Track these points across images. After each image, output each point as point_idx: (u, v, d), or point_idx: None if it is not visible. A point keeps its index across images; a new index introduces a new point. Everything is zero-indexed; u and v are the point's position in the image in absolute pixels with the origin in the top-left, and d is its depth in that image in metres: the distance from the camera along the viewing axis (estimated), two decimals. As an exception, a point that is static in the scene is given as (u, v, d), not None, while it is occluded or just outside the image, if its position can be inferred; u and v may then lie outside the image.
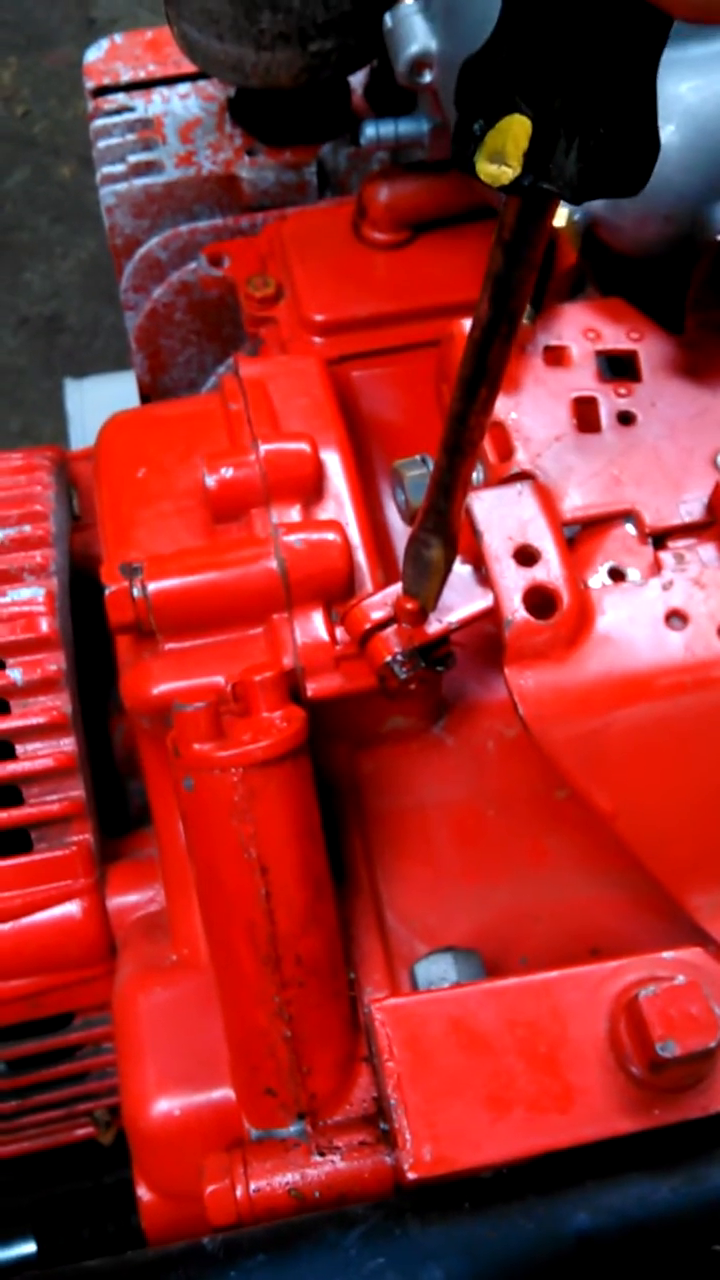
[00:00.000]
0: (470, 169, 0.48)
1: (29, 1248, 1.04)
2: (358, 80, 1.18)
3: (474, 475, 0.76)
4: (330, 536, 0.79)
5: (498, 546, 0.70)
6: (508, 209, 0.51)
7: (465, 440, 0.60)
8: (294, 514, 0.81)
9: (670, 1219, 0.63)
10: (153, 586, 0.77)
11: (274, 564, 0.77)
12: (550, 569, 0.69)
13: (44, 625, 0.89)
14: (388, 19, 0.87)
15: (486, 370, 0.56)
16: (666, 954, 0.68)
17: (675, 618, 0.69)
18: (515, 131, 0.46)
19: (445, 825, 0.84)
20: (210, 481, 0.81)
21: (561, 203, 0.78)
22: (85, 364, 2.77)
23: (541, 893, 0.82)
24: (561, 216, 0.75)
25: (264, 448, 0.81)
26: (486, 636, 0.82)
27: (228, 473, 0.81)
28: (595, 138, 0.46)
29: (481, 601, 0.74)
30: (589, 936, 0.80)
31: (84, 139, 3.22)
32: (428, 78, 0.86)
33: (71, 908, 0.88)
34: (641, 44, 0.45)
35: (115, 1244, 1.04)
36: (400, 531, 0.91)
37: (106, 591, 0.78)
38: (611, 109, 0.46)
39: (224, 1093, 0.76)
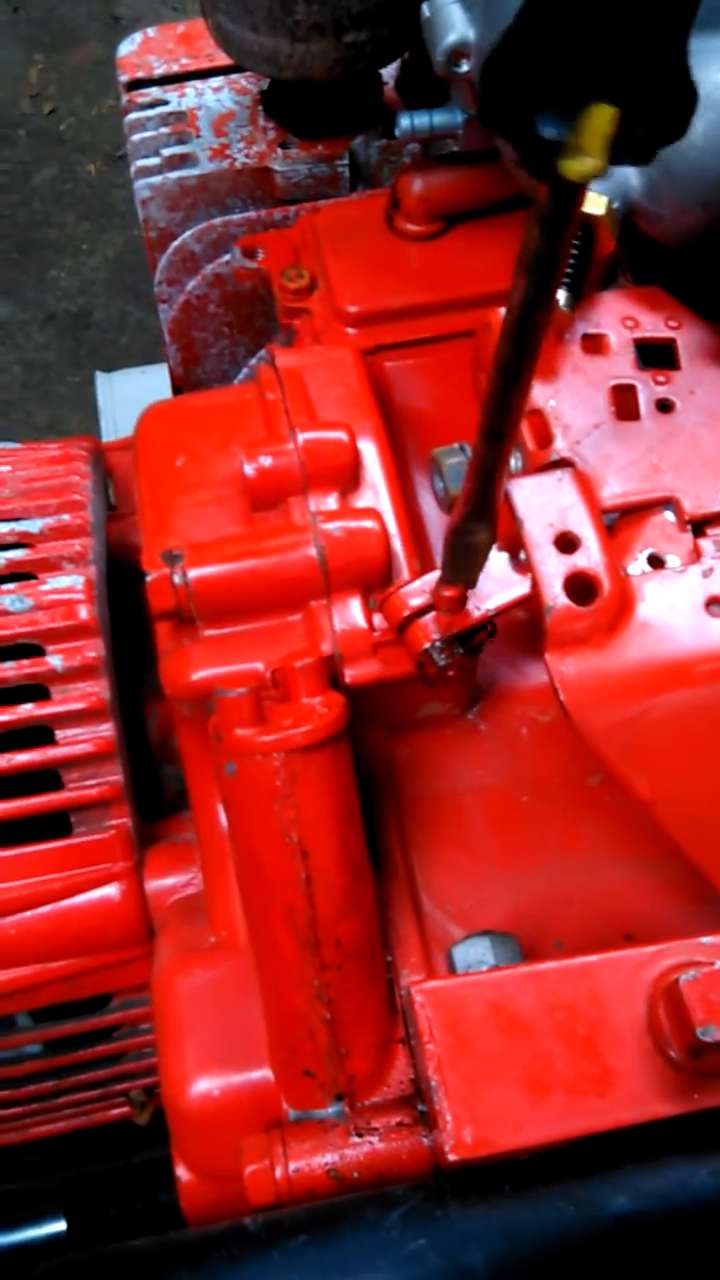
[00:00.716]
0: (553, 175, 0.46)
1: (59, 1226, 1.05)
2: (389, 72, 1.18)
3: (513, 463, 0.77)
4: (368, 524, 0.79)
5: (538, 533, 0.70)
6: (544, 191, 0.50)
7: (505, 423, 0.60)
8: (331, 502, 0.82)
9: (710, 1202, 0.63)
10: (193, 573, 0.77)
11: (313, 551, 0.78)
12: (590, 556, 0.70)
13: (83, 613, 0.90)
14: (425, 9, 0.87)
15: (525, 351, 0.56)
16: (705, 939, 0.68)
17: (715, 604, 0.70)
18: (597, 122, 0.45)
19: (479, 810, 0.85)
20: (249, 470, 0.81)
21: (600, 192, 0.79)
22: (112, 359, 2.79)
23: (575, 877, 0.82)
24: (600, 204, 0.76)
25: (302, 436, 0.82)
26: (520, 623, 0.82)
27: (266, 461, 0.82)
28: (658, 100, 0.45)
29: (519, 588, 0.74)
30: (622, 921, 0.80)
31: (110, 136, 3.24)
32: (465, 68, 0.86)
33: (110, 890, 0.89)
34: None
35: (144, 1222, 1.05)
36: (434, 519, 0.91)
37: (148, 578, 0.78)
38: (659, 67, 0.45)
39: (263, 1074, 0.77)
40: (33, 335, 2.86)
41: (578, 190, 0.49)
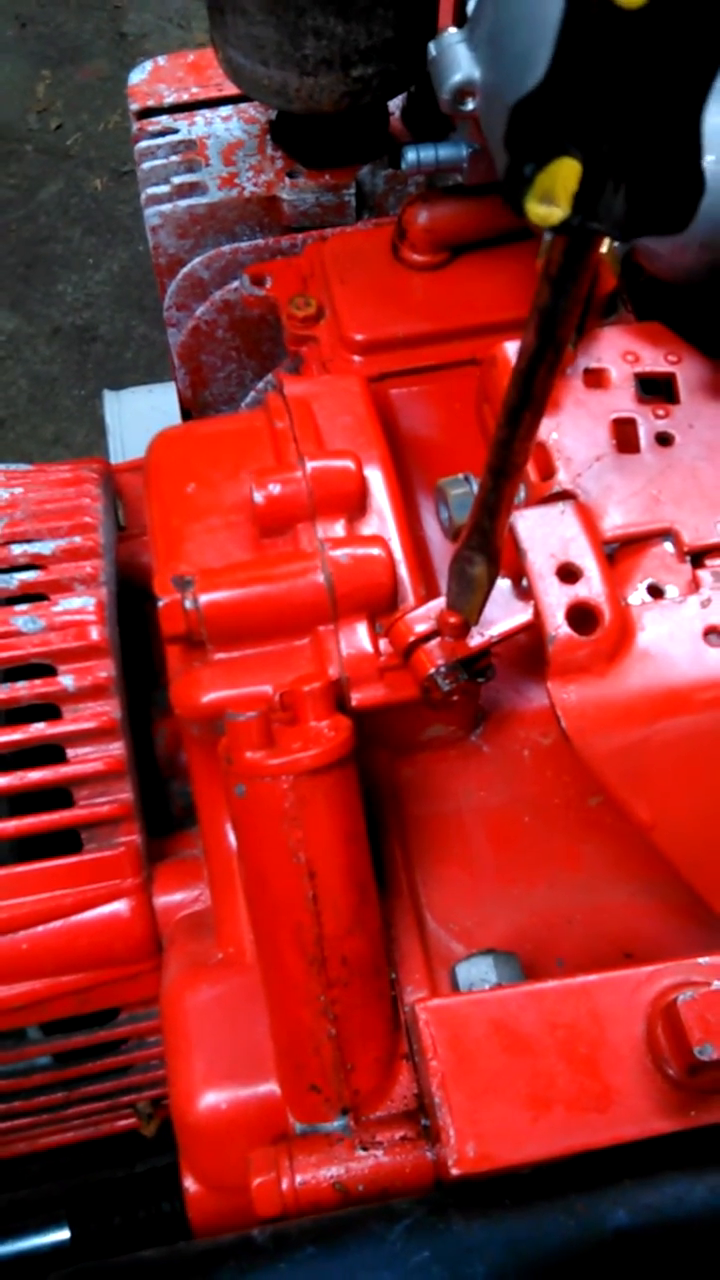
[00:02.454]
0: (520, 210, 0.50)
1: (63, 1234, 1.07)
2: (395, 104, 1.20)
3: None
4: (375, 552, 0.81)
5: (541, 564, 0.72)
6: (554, 246, 0.53)
7: (510, 464, 0.62)
8: (339, 529, 0.84)
9: (707, 1217, 0.65)
10: (204, 598, 0.79)
11: (321, 578, 0.80)
12: (592, 586, 0.72)
13: (94, 634, 0.92)
14: (432, 48, 0.89)
15: (531, 398, 0.59)
16: (703, 960, 0.70)
17: (713, 634, 0.72)
18: (564, 173, 0.48)
19: (482, 830, 0.87)
20: (258, 497, 0.83)
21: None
22: (117, 373, 2.82)
23: (576, 896, 0.84)
24: (602, 242, 0.78)
25: (310, 465, 0.84)
26: (522, 648, 0.84)
27: (275, 489, 0.84)
28: (643, 179, 0.48)
29: (522, 615, 0.76)
30: (622, 940, 0.82)
31: (116, 151, 3.27)
32: (470, 106, 0.88)
33: (120, 906, 0.91)
34: (688, 90, 0.47)
35: (147, 1230, 1.07)
36: (438, 545, 0.93)
37: (160, 603, 0.80)
38: (658, 151, 0.48)
39: (269, 1087, 0.79)
40: (39, 349, 2.89)
41: (586, 249, 0.51)
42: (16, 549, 0.96)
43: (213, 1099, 0.79)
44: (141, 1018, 0.96)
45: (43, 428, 2.74)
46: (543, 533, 0.73)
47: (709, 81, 0.47)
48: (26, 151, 3.09)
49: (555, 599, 0.72)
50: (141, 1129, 1.04)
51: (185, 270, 1.17)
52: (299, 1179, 0.74)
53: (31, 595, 0.95)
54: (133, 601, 1.05)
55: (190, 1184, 0.82)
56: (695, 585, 0.73)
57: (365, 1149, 0.74)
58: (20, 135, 3.10)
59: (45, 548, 0.98)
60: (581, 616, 0.71)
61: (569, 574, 0.72)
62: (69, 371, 2.88)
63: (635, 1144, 0.67)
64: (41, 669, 0.92)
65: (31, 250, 3.01)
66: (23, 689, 0.91)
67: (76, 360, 2.90)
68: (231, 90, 1.20)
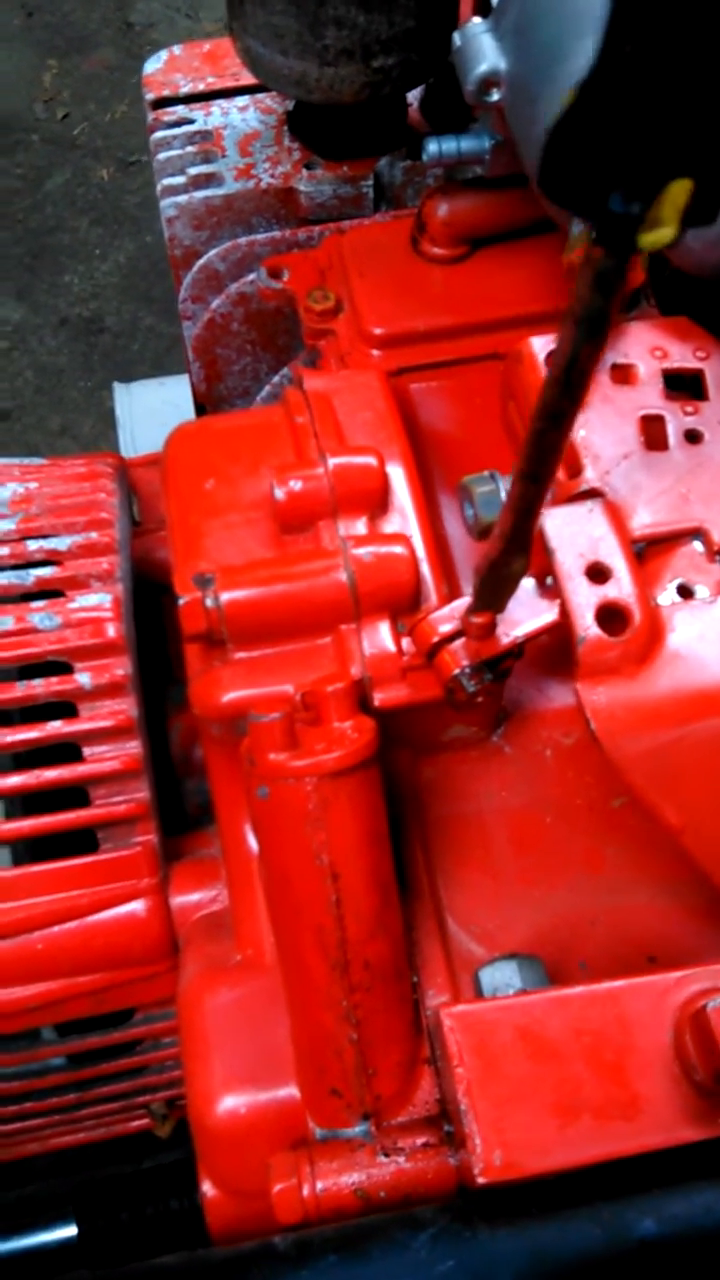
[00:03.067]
0: (632, 249, 0.46)
1: (70, 1231, 1.06)
2: (414, 95, 1.19)
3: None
4: (398, 550, 0.80)
5: (570, 564, 0.71)
6: (598, 248, 0.51)
7: (544, 467, 0.61)
8: (360, 526, 0.83)
9: (734, 1225, 0.64)
10: (225, 597, 0.78)
11: (343, 576, 0.79)
12: (621, 586, 0.71)
13: (111, 631, 0.91)
14: (456, 37, 0.88)
15: (569, 399, 0.57)
16: (730, 965, 0.69)
17: (743, 635, 0.71)
18: (675, 195, 0.45)
19: (504, 832, 0.86)
20: (279, 494, 0.82)
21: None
22: (124, 365, 2.80)
23: (599, 899, 0.83)
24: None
25: (332, 461, 0.83)
26: (544, 647, 0.83)
27: (296, 485, 0.82)
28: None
29: (548, 615, 0.75)
30: (646, 942, 0.81)
31: (123, 142, 3.25)
32: (496, 96, 0.87)
33: (136, 906, 0.90)
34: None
35: (155, 1227, 1.06)
36: (459, 541, 0.92)
37: (180, 601, 0.79)
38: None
39: (289, 1091, 0.78)
40: (45, 340, 2.87)
41: (635, 245, 0.49)
42: (33, 544, 0.95)
43: (231, 1103, 0.79)
44: (157, 1018, 0.96)
45: (49, 419, 2.73)
46: (571, 532, 0.72)
47: None
48: (33, 141, 3.08)
49: (584, 599, 0.71)
50: (156, 1130, 1.03)
51: (201, 262, 1.16)
52: (320, 1185, 0.73)
53: (48, 591, 0.94)
54: (147, 597, 1.04)
55: (209, 1189, 0.81)
56: (726, 585, 0.72)
57: (387, 1155, 0.73)
58: (27, 125, 3.08)
59: (61, 543, 0.96)
60: (611, 617, 0.70)
61: (598, 574, 0.71)
62: (75, 363, 2.86)
63: (663, 1152, 0.66)
64: (58, 666, 0.91)
65: (38, 240, 2.99)
66: (39, 686, 0.90)
67: (83, 351, 2.88)
68: (248, 80, 1.19)
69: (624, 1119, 0.65)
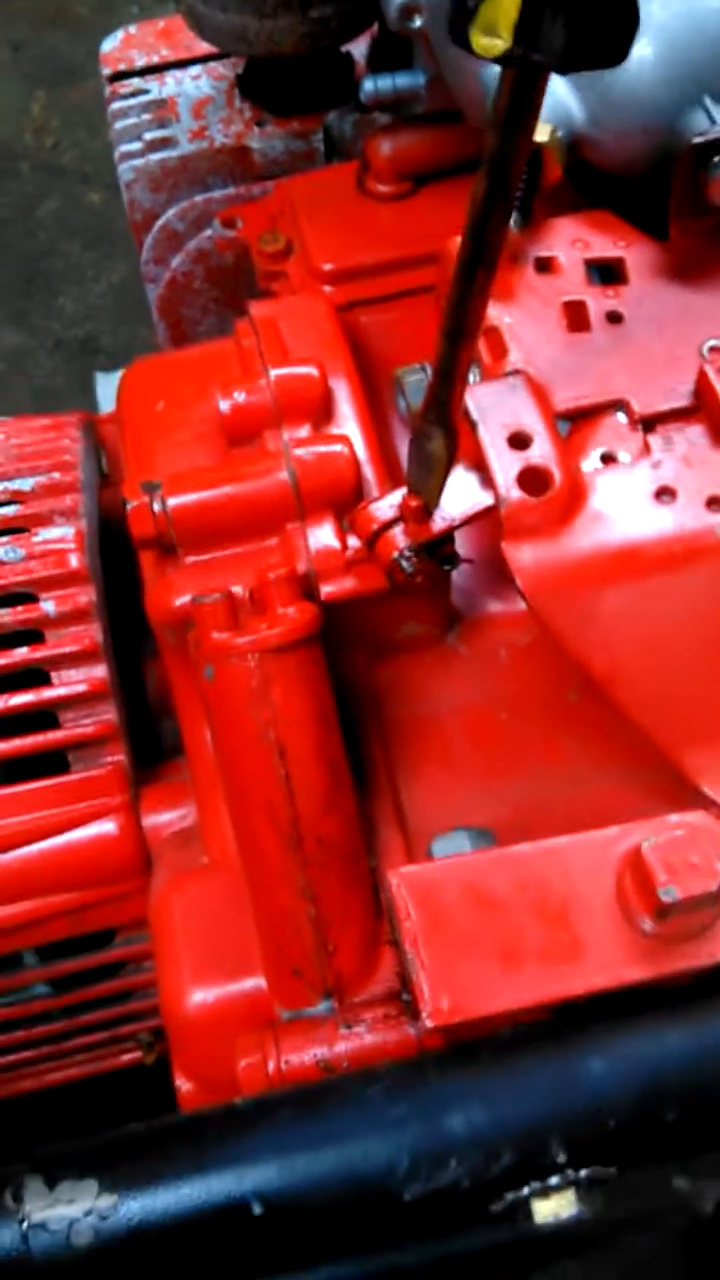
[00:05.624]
0: (466, 43, 0.51)
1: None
2: (360, 52, 1.23)
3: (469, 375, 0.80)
4: (338, 449, 0.83)
5: (492, 434, 0.73)
6: (502, 85, 0.54)
7: (465, 325, 0.63)
8: (304, 433, 0.85)
9: (679, 1058, 0.65)
10: (172, 501, 0.81)
11: (285, 475, 0.81)
12: (542, 449, 0.73)
13: (74, 561, 0.94)
14: (377, -30, 0.92)
15: (485, 250, 0.60)
16: (672, 817, 0.70)
17: (664, 494, 0.72)
18: (505, 3, 0.49)
19: (461, 729, 0.87)
20: (224, 406, 0.85)
21: (543, 119, 0.82)
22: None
23: (554, 787, 0.84)
24: (544, 131, 0.79)
25: (274, 372, 0.86)
26: (495, 550, 0.85)
27: (240, 397, 0.85)
28: (579, 7, 0.49)
29: (483, 500, 0.77)
30: (601, 825, 0.82)
31: (112, 167, 3.31)
32: (418, 22, 0.91)
33: (108, 824, 0.91)
34: None
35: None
36: (406, 454, 0.94)
37: (128, 507, 0.82)
38: None
39: (256, 981, 0.80)
40: (41, 362, 2.93)
41: (532, 86, 0.52)
42: (-3, 487, 0.98)
43: (200, 996, 0.80)
44: (137, 939, 0.97)
45: (46, 433, 2.76)
46: (494, 404, 0.74)
47: None
48: (23, 170, 3.15)
49: (507, 464, 0.73)
50: (143, 1058, 1.04)
51: (160, 223, 1.20)
52: (285, 1060, 0.74)
53: (12, 529, 0.97)
54: (119, 548, 1.06)
55: (182, 1083, 0.83)
56: (647, 450, 0.74)
57: (349, 1027, 0.75)
58: (17, 154, 3.16)
59: (25, 484, 0.99)
60: (533, 480, 0.72)
61: (520, 441, 0.73)
62: (72, 384, 2.91)
63: (608, 995, 0.67)
64: (24, 597, 0.94)
65: (31, 266, 3.06)
66: (5, 615, 0.92)
67: (79, 372, 2.93)
68: (201, 51, 1.23)
69: (568, 962, 0.67)
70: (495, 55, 0.50)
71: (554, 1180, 0.65)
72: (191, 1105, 0.82)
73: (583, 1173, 0.65)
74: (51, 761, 0.93)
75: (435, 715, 0.88)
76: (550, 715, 0.87)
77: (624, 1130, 0.65)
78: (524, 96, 0.54)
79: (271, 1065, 0.74)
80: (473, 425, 0.74)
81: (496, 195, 0.57)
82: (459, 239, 0.85)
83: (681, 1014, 0.67)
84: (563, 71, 0.51)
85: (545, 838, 0.83)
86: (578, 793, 0.85)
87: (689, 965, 0.67)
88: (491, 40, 0.50)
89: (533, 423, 0.73)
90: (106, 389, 1.74)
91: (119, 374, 1.81)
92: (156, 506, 0.81)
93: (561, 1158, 0.64)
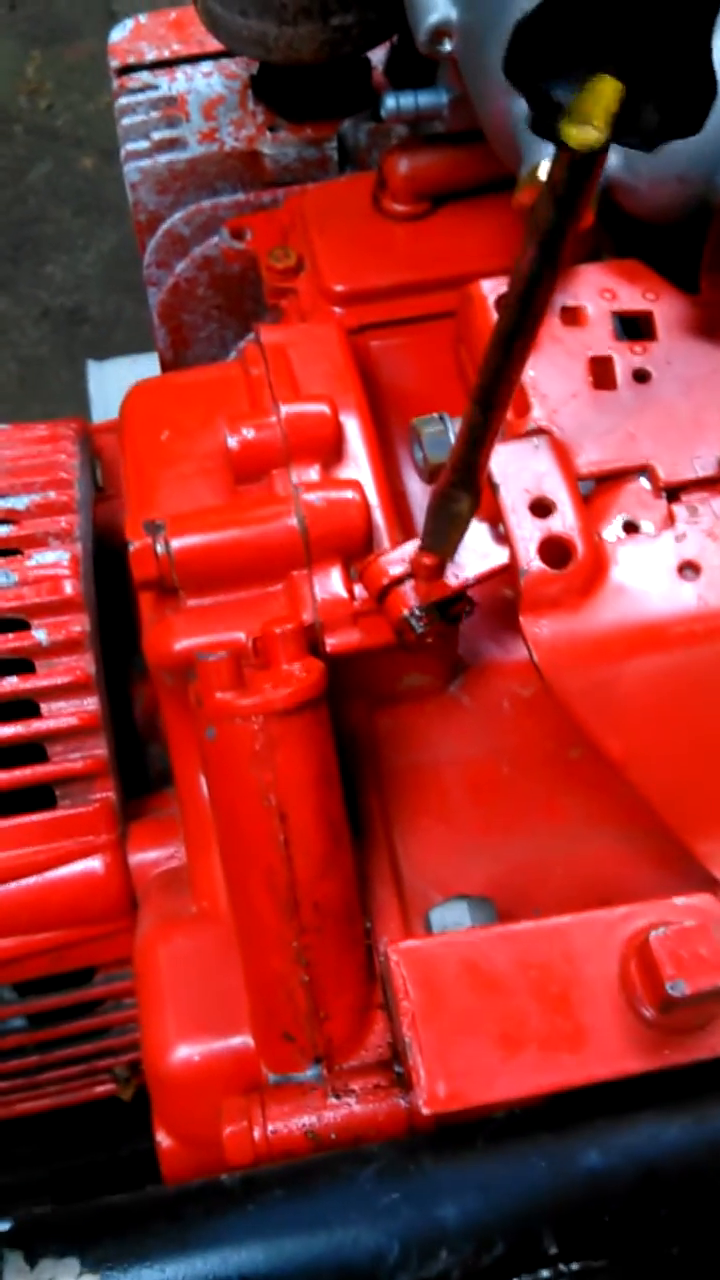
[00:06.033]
0: (553, 136, 0.48)
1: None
2: (378, 57, 1.19)
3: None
4: (349, 495, 0.80)
5: (514, 499, 0.71)
6: (559, 162, 0.51)
7: (499, 396, 0.61)
8: (313, 474, 0.83)
9: (678, 1157, 0.64)
10: (176, 543, 0.78)
11: (294, 521, 0.79)
12: (565, 520, 0.70)
13: (69, 588, 0.91)
14: (408, -10, 0.88)
15: (526, 321, 0.57)
16: (678, 900, 0.69)
17: (688, 569, 0.71)
18: (605, 94, 0.47)
19: (460, 782, 0.86)
20: (232, 442, 0.82)
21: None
22: (106, 355, 2.79)
23: (555, 846, 0.83)
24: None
25: (285, 409, 0.83)
26: (502, 599, 0.83)
27: (249, 433, 0.82)
28: (673, 91, 0.47)
29: (498, 557, 0.75)
30: (600, 888, 0.81)
31: (106, 131, 3.25)
32: (448, 47, 0.87)
33: (94, 863, 0.89)
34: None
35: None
36: (416, 495, 0.92)
37: (130, 547, 0.79)
38: (681, 59, 0.47)
39: (243, 1039, 0.78)
40: (27, 331, 2.87)
41: (591, 164, 0.50)
42: (-11, 504, 0.95)
43: (186, 1051, 0.78)
44: (117, 978, 0.95)
45: (30, 407, 2.72)
46: (517, 467, 0.72)
47: None
48: (16, 132, 3.08)
49: (528, 533, 0.70)
50: (119, 1093, 1.03)
51: (165, 227, 1.16)
52: (271, 1128, 0.73)
53: (5, 550, 0.94)
54: (112, 563, 1.04)
55: (163, 1138, 0.81)
56: (670, 520, 0.72)
57: (338, 1096, 0.73)
58: (10, 116, 3.09)
59: (19, 503, 0.96)
60: (554, 550, 0.70)
61: (542, 508, 0.71)
62: (58, 353, 2.86)
63: (608, 1085, 0.66)
64: (14, 623, 0.91)
65: (20, 231, 2.99)
66: (-5, 642, 0.90)
67: (65, 342, 2.88)
68: (213, 47, 1.19)
69: (569, 1050, 0.65)
70: (591, 147, 0.47)
71: (544, 1273, 0.63)
72: (172, 1162, 0.81)
73: (574, 1265, 0.64)
74: (38, 795, 0.90)
75: (435, 766, 0.86)
76: (551, 771, 0.85)
77: (618, 1224, 0.64)
78: (582, 174, 0.51)
79: (258, 1132, 0.72)
80: (494, 488, 0.71)
81: (544, 270, 0.54)
82: (485, 282, 0.83)
83: (681, 1107, 0.65)
84: (649, 149, 0.49)
85: (544, 898, 0.82)
86: (577, 852, 0.84)
87: (691, 1058, 0.66)
88: (585, 131, 0.48)
89: (555, 488, 0.71)
90: (99, 378, 1.71)
91: (112, 363, 1.78)
92: (160, 548, 0.78)
93: (553, 1250, 0.63)
